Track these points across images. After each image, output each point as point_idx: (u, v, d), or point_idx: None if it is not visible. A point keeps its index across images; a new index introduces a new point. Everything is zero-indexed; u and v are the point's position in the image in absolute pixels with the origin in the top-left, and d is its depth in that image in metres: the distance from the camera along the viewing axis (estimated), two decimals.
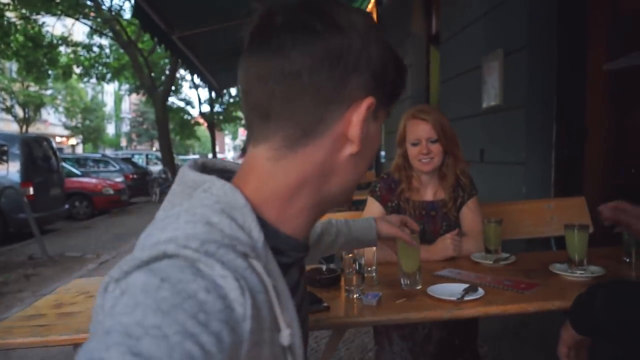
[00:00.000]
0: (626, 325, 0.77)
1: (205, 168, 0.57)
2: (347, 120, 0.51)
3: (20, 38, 12.25)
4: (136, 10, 3.34)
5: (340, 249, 1.00)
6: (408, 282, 1.24)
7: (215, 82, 7.32)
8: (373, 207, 1.68)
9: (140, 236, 0.49)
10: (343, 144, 0.52)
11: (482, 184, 1.96)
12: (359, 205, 4.35)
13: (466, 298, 1.11)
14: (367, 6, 7.05)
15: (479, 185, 1.79)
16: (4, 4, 11.02)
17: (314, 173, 0.52)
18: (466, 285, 1.19)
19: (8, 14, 11.59)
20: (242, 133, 34.55)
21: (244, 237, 0.47)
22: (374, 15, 6.94)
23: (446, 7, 4.48)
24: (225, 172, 0.58)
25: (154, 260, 0.41)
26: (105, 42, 16.03)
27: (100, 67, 15.45)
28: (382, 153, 6.89)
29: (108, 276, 0.42)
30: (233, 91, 21.08)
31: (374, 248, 1.36)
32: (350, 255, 1.30)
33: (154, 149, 30.86)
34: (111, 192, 9.61)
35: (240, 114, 24.63)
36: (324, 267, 1.38)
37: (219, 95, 12.02)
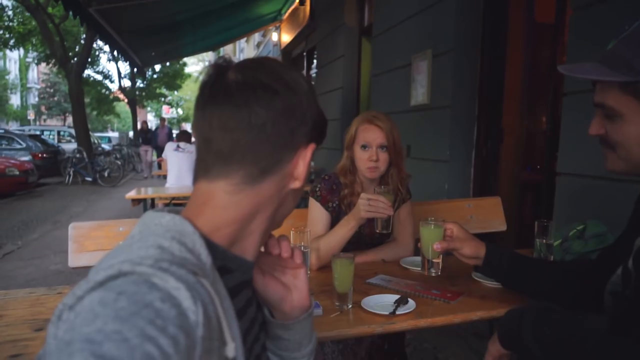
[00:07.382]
0: (549, 350, 0.85)
1: None
2: (295, 162, 0.63)
3: None
4: None
5: None
6: (339, 303, 1.22)
7: (138, 60, 6.86)
8: (315, 210, 1.68)
9: (91, 269, 0.49)
10: (290, 180, 0.63)
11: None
12: None
13: (398, 312, 1.15)
14: None
15: None
16: None
17: (264, 204, 0.62)
18: (397, 297, 1.23)
19: None
20: (166, 111, 32.72)
21: (193, 259, 0.51)
22: (308, 5, 6.87)
23: (379, 0, 4.54)
24: None
25: (109, 279, 0.43)
26: (7, 2, 14.29)
27: (1, 31, 13.78)
28: None
29: (61, 304, 0.43)
30: (157, 67, 19.90)
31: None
32: None
33: (67, 124, 28.44)
34: (16, 172, 8.73)
35: (164, 90, 23.36)
36: None
37: (142, 73, 11.29)
